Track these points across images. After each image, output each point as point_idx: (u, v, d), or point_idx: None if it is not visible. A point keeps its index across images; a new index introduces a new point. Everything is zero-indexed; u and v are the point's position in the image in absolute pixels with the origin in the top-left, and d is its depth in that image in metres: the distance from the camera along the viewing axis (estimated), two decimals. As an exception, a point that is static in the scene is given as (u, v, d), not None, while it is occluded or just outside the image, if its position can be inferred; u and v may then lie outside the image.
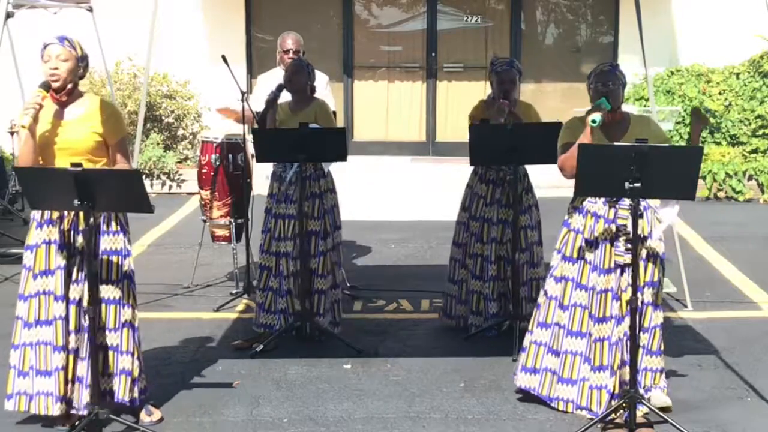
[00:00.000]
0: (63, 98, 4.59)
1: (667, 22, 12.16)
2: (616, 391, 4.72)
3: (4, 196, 10.01)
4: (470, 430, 4.73)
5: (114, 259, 4.63)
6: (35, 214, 4.60)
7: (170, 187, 11.59)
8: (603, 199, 4.72)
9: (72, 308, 4.56)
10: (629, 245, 4.61)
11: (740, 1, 11.73)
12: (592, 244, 4.75)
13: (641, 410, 4.62)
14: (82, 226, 4.54)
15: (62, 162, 4.49)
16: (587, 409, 4.77)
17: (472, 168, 6.15)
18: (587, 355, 4.77)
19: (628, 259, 4.63)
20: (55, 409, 4.55)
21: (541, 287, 6.01)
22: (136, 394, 4.73)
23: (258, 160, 6.02)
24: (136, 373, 4.72)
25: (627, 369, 4.65)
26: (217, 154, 7.00)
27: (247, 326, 6.24)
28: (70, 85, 4.59)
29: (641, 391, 4.68)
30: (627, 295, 4.66)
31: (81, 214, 4.52)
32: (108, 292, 4.62)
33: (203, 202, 7.19)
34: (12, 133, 10.61)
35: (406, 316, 6.66)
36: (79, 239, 4.56)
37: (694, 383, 5.31)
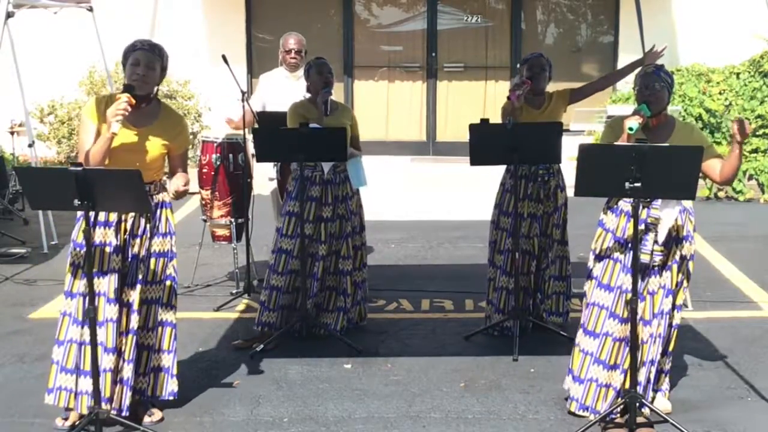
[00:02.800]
0: (141, 105, 4.56)
1: (667, 22, 12.16)
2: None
3: (5, 196, 10.01)
4: (470, 430, 4.73)
5: (161, 261, 4.67)
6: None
7: (170, 186, 11.57)
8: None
9: (123, 311, 4.58)
10: (660, 247, 4.60)
11: (740, 1, 11.74)
12: (622, 243, 4.71)
13: (642, 410, 4.62)
14: (140, 230, 4.58)
15: (126, 167, 4.47)
16: (592, 409, 4.74)
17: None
18: (598, 355, 4.73)
19: (657, 260, 4.61)
20: (103, 411, 4.50)
21: (552, 285, 6.06)
22: (174, 388, 4.79)
23: (258, 160, 6.02)
24: (175, 370, 4.79)
25: (642, 369, 4.63)
26: (218, 154, 7.00)
27: (248, 326, 6.24)
28: (151, 94, 4.60)
29: (652, 393, 4.68)
30: (657, 297, 4.64)
31: (137, 216, 4.55)
32: (152, 292, 4.67)
33: (203, 202, 7.19)
34: (12, 133, 10.64)
35: (406, 316, 6.66)
36: (136, 243, 4.58)
37: (694, 383, 5.31)
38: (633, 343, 4.55)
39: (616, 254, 4.72)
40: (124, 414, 4.60)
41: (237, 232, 7.11)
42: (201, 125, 12.05)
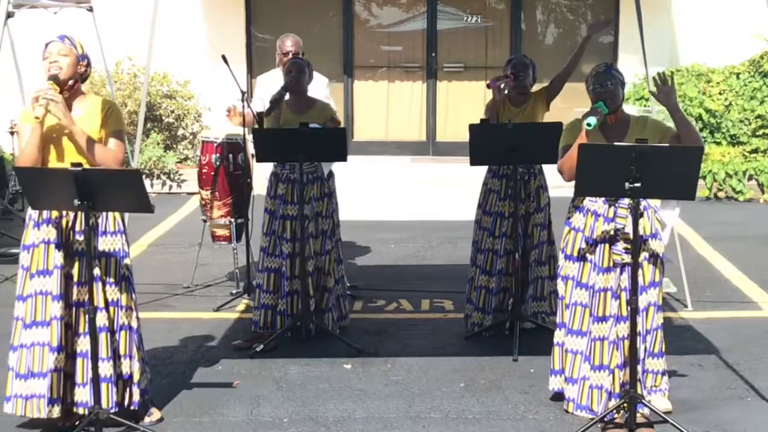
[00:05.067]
0: (64, 95, 4.57)
1: (667, 22, 12.16)
2: (615, 391, 4.72)
3: (4, 196, 10.01)
4: (470, 430, 4.74)
5: (111, 260, 4.61)
6: (32, 214, 4.59)
7: (170, 187, 11.59)
8: (603, 198, 4.73)
9: (80, 311, 4.54)
10: (628, 245, 4.62)
11: (740, 1, 11.73)
12: (591, 242, 4.76)
13: (642, 411, 4.62)
14: (80, 227, 4.53)
15: (60, 161, 4.49)
16: (587, 409, 4.77)
17: (482, 168, 6.12)
18: (587, 354, 4.77)
19: (627, 258, 4.63)
20: (47, 412, 4.50)
21: (546, 286, 6.06)
22: (136, 398, 4.70)
23: (258, 160, 6.03)
24: (136, 377, 4.69)
25: (626, 369, 4.65)
26: (218, 154, 7.00)
27: (248, 326, 6.24)
28: (71, 82, 4.59)
29: (644, 392, 4.68)
30: (627, 295, 4.66)
31: (80, 213, 4.51)
32: (106, 294, 4.59)
33: (203, 202, 7.18)
34: (12, 133, 10.62)
35: (406, 316, 6.66)
36: (79, 239, 4.54)
37: (694, 383, 5.31)
38: (633, 342, 4.55)
39: (588, 254, 4.76)
40: (113, 410, 4.56)
41: (237, 232, 7.11)
42: (201, 125, 12.05)
